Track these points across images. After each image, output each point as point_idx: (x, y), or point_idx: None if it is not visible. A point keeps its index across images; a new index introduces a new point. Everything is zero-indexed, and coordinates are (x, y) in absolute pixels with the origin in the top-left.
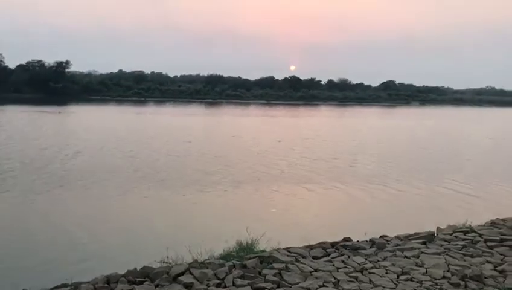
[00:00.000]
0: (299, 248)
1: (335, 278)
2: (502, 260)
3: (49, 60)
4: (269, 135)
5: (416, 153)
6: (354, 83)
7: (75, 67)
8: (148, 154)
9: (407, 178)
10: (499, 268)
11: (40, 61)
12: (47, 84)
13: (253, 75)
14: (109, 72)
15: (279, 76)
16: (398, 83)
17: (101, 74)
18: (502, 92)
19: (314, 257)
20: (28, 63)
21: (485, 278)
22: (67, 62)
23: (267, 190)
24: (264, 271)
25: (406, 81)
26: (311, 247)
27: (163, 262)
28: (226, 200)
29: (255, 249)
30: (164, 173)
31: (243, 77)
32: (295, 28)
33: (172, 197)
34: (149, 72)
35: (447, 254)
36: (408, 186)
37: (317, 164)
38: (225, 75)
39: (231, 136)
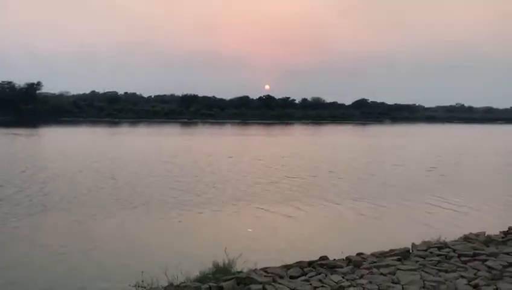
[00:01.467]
0: (277, 267)
1: None
2: (475, 275)
3: (20, 81)
4: (248, 154)
5: (388, 170)
6: (328, 101)
7: (46, 88)
8: (128, 175)
9: (380, 195)
10: (472, 283)
11: (10, 82)
12: (17, 106)
13: (227, 95)
14: (82, 92)
15: (254, 96)
16: (371, 101)
17: (73, 95)
18: (470, 110)
19: (292, 277)
20: None
21: None
22: (38, 83)
23: (245, 209)
24: None
25: (378, 99)
26: (288, 267)
27: (138, 286)
28: (203, 220)
29: (232, 271)
30: (142, 195)
31: (218, 96)
32: (270, 49)
33: (148, 219)
34: (122, 93)
35: (422, 270)
36: (381, 203)
37: (294, 182)
38: (200, 94)
39: (208, 156)
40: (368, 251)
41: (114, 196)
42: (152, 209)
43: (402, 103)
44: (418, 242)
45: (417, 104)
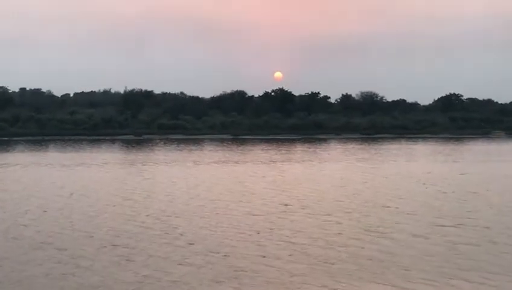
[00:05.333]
0: None
1: None
2: None
3: None
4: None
5: None
6: (389, 100)
7: None
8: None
9: None
10: None
11: None
12: None
13: (208, 91)
14: None
15: (255, 90)
16: (467, 99)
17: None
18: None
19: None
20: None
21: None
22: None
23: None
24: None
25: (481, 95)
26: None
27: None
28: None
29: None
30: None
31: (190, 93)
32: (282, 12)
33: None
34: (16, 90)
35: None
36: None
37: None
38: (157, 90)
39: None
40: None
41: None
42: None
43: None
44: None
45: None
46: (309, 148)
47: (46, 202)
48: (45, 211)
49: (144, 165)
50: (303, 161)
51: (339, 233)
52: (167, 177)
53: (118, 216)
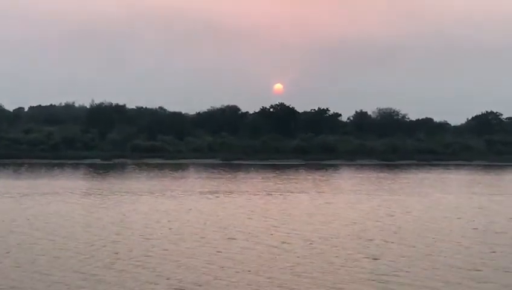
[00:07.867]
0: None
1: None
2: None
3: None
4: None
5: None
6: (412, 118)
7: None
8: None
9: None
10: None
11: None
12: None
13: (193, 105)
14: None
15: (250, 106)
16: (507, 118)
17: None
18: None
19: None
20: None
21: None
22: None
23: None
24: None
25: None
26: None
27: None
28: None
29: None
30: None
31: (171, 108)
32: (290, 12)
33: None
34: None
35: None
36: None
37: None
38: (130, 105)
39: None
40: None
41: None
42: None
43: None
44: None
45: None
46: (322, 176)
47: None
48: None
49: (114, 195)
50: (318, 191)
51: None
52: (142, 212)
53: (72, 263)
